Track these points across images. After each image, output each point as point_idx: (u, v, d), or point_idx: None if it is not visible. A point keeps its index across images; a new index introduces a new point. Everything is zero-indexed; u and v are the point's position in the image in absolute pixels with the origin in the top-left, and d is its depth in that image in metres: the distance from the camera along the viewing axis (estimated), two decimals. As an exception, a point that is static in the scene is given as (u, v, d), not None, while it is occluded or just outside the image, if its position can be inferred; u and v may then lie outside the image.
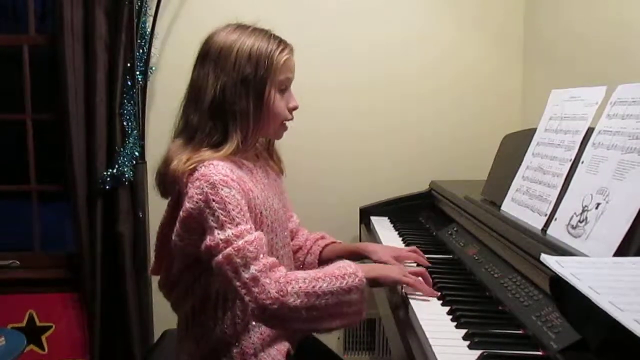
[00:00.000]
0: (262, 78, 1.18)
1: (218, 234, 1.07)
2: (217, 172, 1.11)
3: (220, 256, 1.06)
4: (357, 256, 1.46)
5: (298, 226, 1.52)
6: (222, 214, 1.08)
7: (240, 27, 1.22)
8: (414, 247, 1.50)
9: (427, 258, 1.45)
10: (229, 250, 1.06)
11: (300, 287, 1.06)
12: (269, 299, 1.04)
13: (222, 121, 1.17)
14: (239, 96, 1.17)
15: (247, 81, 1.17)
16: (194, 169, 1.13)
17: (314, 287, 1.06)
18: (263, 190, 1.23)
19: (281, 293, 1.04)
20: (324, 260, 1.46)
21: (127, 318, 2.21)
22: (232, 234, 1.07)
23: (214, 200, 1.08)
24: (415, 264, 1.41)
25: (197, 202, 1.09)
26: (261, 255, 1.07)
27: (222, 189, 1.09)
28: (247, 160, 1.24)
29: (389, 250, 1.45)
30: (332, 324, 1.10)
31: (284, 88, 1.24)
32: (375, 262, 1.40)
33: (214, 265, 1.08)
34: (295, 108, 1.27)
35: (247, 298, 1.05)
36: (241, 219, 1.09)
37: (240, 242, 1.06)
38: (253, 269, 1.05)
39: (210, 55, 1.19)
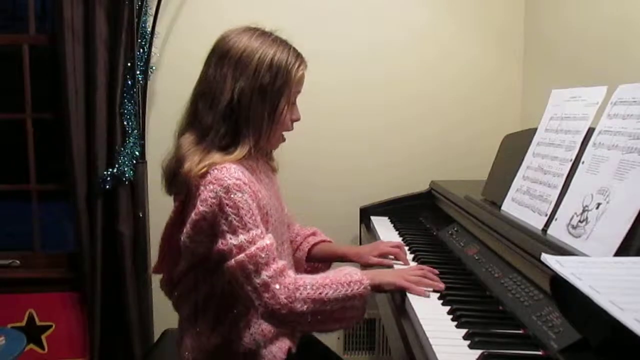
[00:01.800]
0: (279, 89, 1.20)
1: (230, 238, 1.10)
2: (231, 175, 1.12)
3: (232, 261, 1.09)
4: (344, 259, 1.51)
5: (290, 219, 1.53)
6: (235, 219, 1.10)
7: (263, 34, 1.23)
8: (398, 242, 1.54)
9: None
10: (241, 256, 1.08)
11: (308, 293, 1.09)
12: (278, 304, 1.07)
13: (235, 125, 1.18)
14: (255, 103, 1.18)
15: (265, 90, 1.19)
16: (206, 172, 1.14)
17: (320, 293, 1.09)
18: (267, 190, 1.25)
19: (290, 299, 1.08)
20: (312, 258, 1.51)
21: (127, 318, 2.22)
22: (245, 239, 1.09)
23: (227, 205, 1.10)
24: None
25: (210, 206, 1.11)
26: (272, 261, 1.10)
27: (235, 194, 1.11)
28: (253, 162, 1.26)
29: (372, 250, 1.49)
30: (333, 326, 1.15)
31: (293, 101, 1.27)
32: (361, 265, 1.47)
33: (226, 269, 1.10)
34: (297, 120, 1.30)
35: (257, 302, 1.08)
36: (253, 224, 1.11)
37: (252, 249, 1.09)
38: (264, 274, 1.08)
39: (230, 57, 1.19)
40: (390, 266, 1.45)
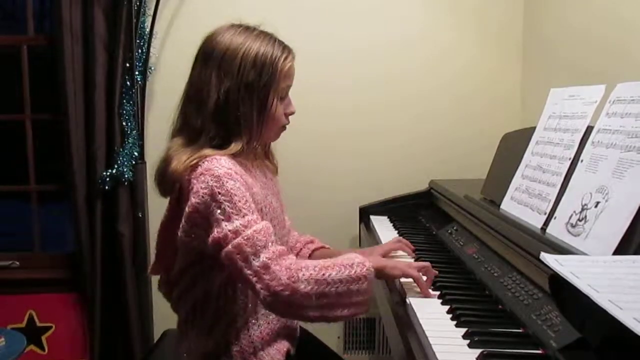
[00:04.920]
0: (266, 85, 1.18)
1: (226, 225, 1.08)
2: (221, 165, 1.11)
3: (230, 246, 1.07)
4: None
5: (289, 227, 1.52)
6: (228, 206, 1.08)
7: (246, 30, 1.21)
8: (398, 237, 1.55)
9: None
10: (238, 239, 1.06)
11: (310, 274, 1.06)
12: (280, 285, 1.04)
13: (226, 125, 1.17)
14: (242, 101, 1.17)
15: (251, 87, 1.17)
16: (196, 165, 1.13)
17: (323, 274, 1.07)
18: (262, 188, 1.24)
19: (292, 279, 1.05)
20: None
21: (127, 318, 2.21)
22: (240, 224, 1.07)
23: (219, 193, 1.09)
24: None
25: (202, 197, 1.10)
26: (270, 244, 1.08)
27: (227, 182, 1.09)
28: (246, 160, 1.24)
29: (379, 251, 1.45)
30: (342, 312, 1.11)
31: (284, 95, 1.24)
32: None
33: (224, 256, 1.08)
34: (292, 113, 1.28)
35: (258, 286, 1.05)
36: (248, 210, 1.10)
37: (249, 232, 1.07)
38: (263, 256, 1.06)
39: (214, 57, 1.18)
40: None
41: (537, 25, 2.22)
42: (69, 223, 2.27)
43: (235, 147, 1.17)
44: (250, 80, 1.17)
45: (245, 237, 1.06)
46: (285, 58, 1.21)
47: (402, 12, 2.30)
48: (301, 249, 1.50)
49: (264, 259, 1.05)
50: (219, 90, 1.16)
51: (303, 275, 1.06)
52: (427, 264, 1.28)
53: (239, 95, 1.16)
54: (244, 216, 1.08)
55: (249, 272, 1.06)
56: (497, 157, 1.72)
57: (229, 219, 1.08)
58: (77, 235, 2.22)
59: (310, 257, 1.48)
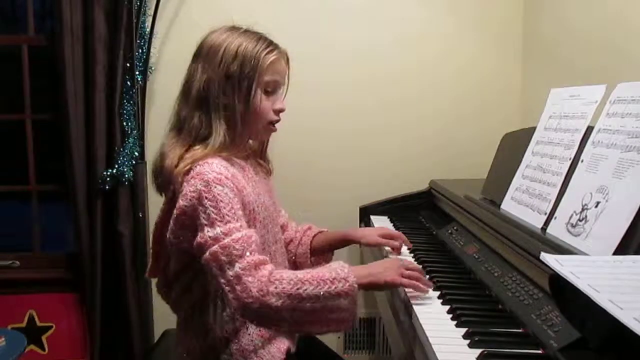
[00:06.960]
0: (248, 77, 1.20)
1: (208, 231, 1.09)
2: (212, 170, 1.13)
3: (207, 253, 1.08)
4: (347, 242, 1.54)
5: (287, 220, 1.55)
6: (213, 212, 1.09)
7: (233, 28, 1.25)
8: (399, 233, 1.59)
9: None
10: (215, 247, 1.07)
11: (283, 288, 1.05)
12: (249, 297, 1.04)
13: (206, 113, 1.19)
14: (224, 92, 1.20)
15: (232, 78, 1.20)
16: (190, 169, 1.15)
17: (298, 289, 1.05)
18: (255, 187, 1.25)
19: (261, 292, 1.04)
20: (315, 249, 1.51)
21: (127, 318, 2.22)
22: (221, 231, 1.08)
23: (206, 198, 1.10)
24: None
25: (190, 200, 1.11)
26: (247, 253, 1.08)
27: (215, 187, 1.11)
28: (239, 157, 1.26)
29: (376, 231, 1.54)
30: (319, 328, 1.10)
31: (270, 90, 1.25)
32: (363, 245, 1.54)
33: (203, 262, 1.10)
34: (281, 110, 1.28)
35: (230, 295, 1.06)
36: (231, 217, 1.10)
37: (227, 240, 1.08)
38: (237, 266, 1.06)
39: (201, 53, 1.23)
40: (386, 255, 1.50)
41: (537, 25, 2.22)
42: (69, 223, 2.27)
43: (217, 137, 1.18)
44: (232, 71, 1.19)
45: (222, 246, 1.07)
46: (270, 52, 1.22)
47: (401, 12, 2.30)
48: (301, 237, 1.51)
49: (238, 269, 1.06)
50: (201, 81, 1.20)
51: (275, 288, 1.05)
52: (417, 267, 1.27)
53: (219, 85, 1.19)
54: (226, 223, 1.09)
55: (222, 280, 1.07)
56: (497, 157, 1.72)
57: (211, 225, 1.09)
58: (77, 235, 2.22)
59: (312, 243, 1.51)
